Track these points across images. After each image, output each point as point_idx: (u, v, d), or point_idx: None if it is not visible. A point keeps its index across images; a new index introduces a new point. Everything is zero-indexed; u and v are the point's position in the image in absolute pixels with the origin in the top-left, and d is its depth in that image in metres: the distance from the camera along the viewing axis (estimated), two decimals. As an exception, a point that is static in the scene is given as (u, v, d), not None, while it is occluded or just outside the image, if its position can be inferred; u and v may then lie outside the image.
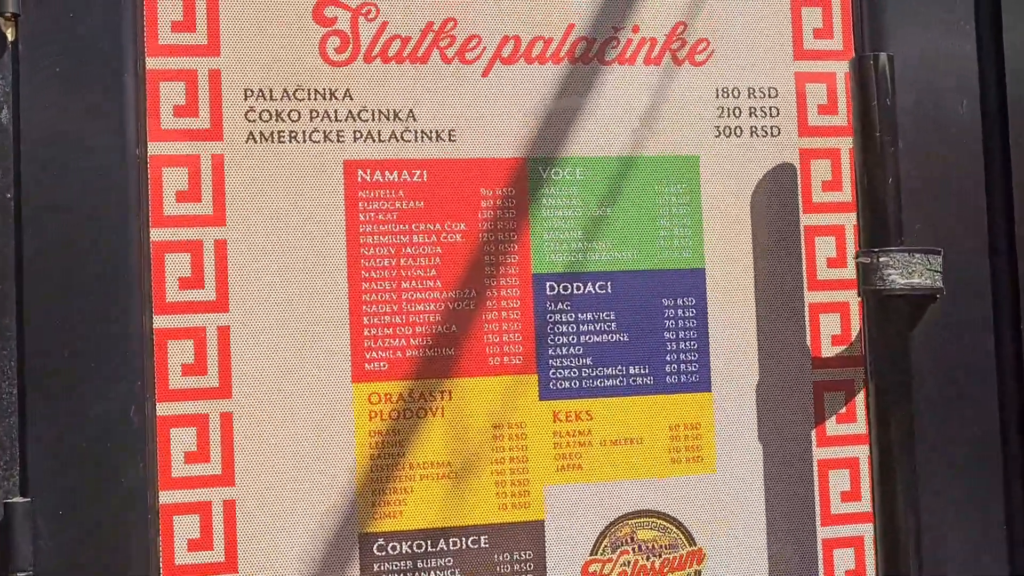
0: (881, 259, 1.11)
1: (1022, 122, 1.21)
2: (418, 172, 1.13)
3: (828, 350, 1.20)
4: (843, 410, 1.20)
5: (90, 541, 1.03)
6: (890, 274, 1.11)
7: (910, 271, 1.12)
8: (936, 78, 1.21)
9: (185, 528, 1.06)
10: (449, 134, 1.13)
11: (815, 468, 1.19)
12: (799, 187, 1.20)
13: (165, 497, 1.06)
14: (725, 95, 1.19)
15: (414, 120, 1.13)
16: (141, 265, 1.06)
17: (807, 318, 1.20)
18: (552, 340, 1.14)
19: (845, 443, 1.19)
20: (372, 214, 1.12)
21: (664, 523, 1.16)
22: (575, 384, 1.15)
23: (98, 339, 1.04)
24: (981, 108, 1.22)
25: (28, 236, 1.04)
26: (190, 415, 1.07)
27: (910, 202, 1.19)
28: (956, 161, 1.22)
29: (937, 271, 1.14)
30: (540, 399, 1.14)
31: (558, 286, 1.15)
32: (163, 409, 1.07)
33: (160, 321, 1.07)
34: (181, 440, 1.07)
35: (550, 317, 1.15)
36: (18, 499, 1.02)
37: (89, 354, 1.04)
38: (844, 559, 1.19)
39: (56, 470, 1.03)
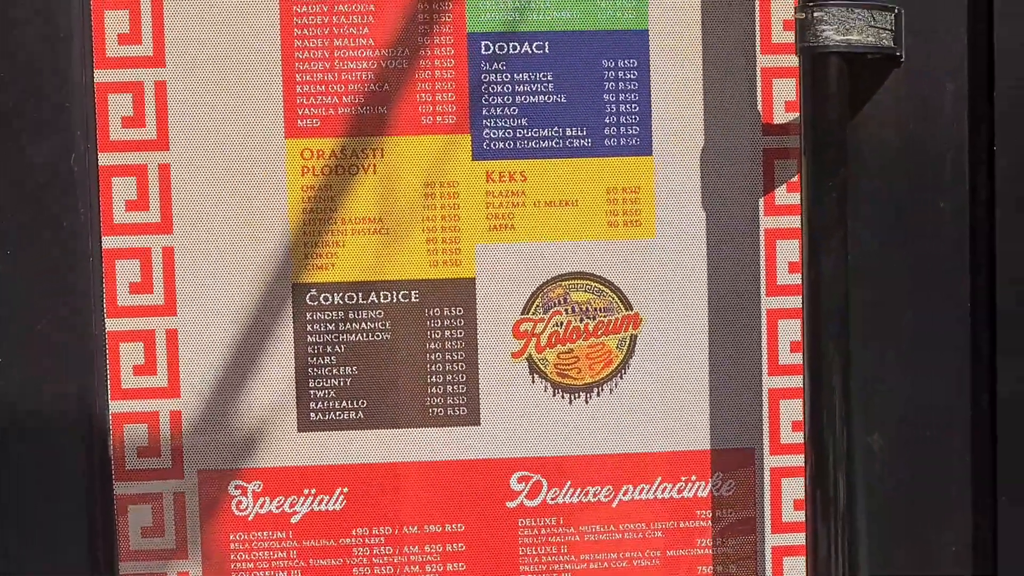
0: (816, 14, 1.06)
1: None
2: (352, -71, 1.13)
3: (781, 116, 1.17)
4: (795, 179, 1.16)
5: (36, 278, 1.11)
6: (824, 30, 1.06)
7: (848, 27, 1.07)
8: None
9: (126, 273, 1.13)
10: None
11: (762, 237, 1.17)
12: (755, -55, 1.15)
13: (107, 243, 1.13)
14: None
15: None
16: (83, 25, 1.11)
17: (759, 82, 1.16)
18: (487, 100, 1.15)
19: (796, 213, 1.16)
20: (305, -29, 1.13)
21: (599, 286, 1.16)
22: (509, 145, 1.15)
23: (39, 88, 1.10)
24: None
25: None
26: (130, 166, 1.12)
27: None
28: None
29: (886, 29, 1.08)
30: (473, 159, 1.15)
31: (494, 45, 1.14)
32: (104, 160, 1.12)
33: (101, 76, 1.12)
34: (122, 190, 1.12)
35: (485, 77, 1.14)
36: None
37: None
38: (789, 330, 1.17)
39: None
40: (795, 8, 1.08)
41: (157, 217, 1.13)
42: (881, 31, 1.08)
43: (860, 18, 1.07)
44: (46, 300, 1.11)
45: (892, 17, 1.09)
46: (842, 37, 1.06)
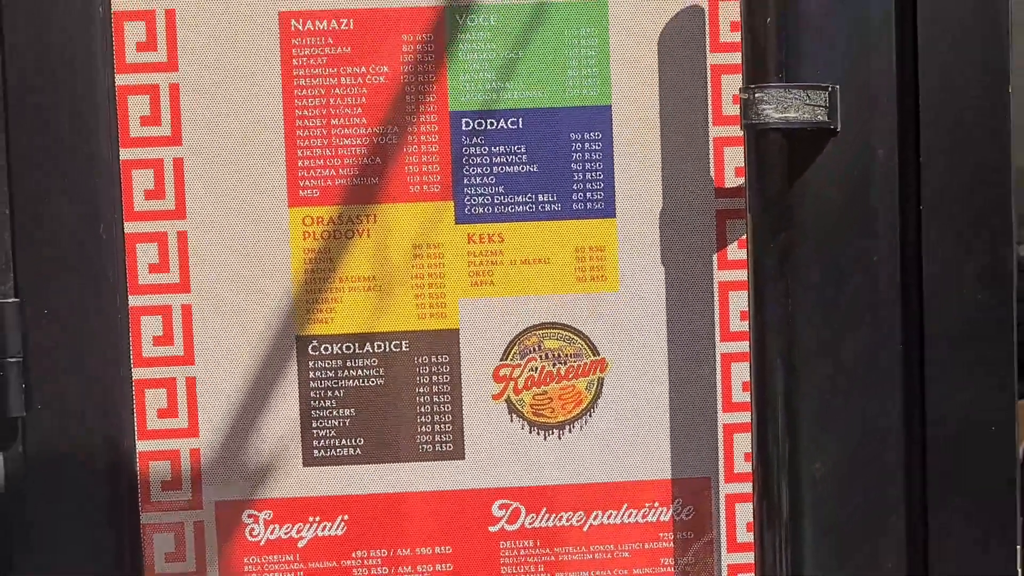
0: (757, 94, 1.20)
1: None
2: (345, 20, 1.27)
3: (732, 181, 1.30)
4: (744, 236, 1.30)
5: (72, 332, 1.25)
6: (764, 108, 1.20)
7: (785, 106, 1.20)
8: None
9: (150, 328, 1.27)
10: (373, -14, 1.27)
11: (716, 289, 1.31)
12: (707, 27, 1.29)
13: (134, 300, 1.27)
14: (634, -58, 1.29)
15: (341, -26, 1.27)
16: (109, 110, 1.25)
17: (712, 150, 1.30)
18: (468, 171, 1.29)
19: (746, 267, 1.29)
20: (304, 59, 1.27)
21: (569, 334, 1.30)
22: (488, 210, 1.29)
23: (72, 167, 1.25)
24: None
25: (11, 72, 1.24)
26: (152, 233, 1.27)
27: (808, 39, 1.26)
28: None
29: (821, 106, 1.21)
30: (456, 223, 1.29)
31: (473, 122, 1.29)
32: (129, 227, 1.27)
33: (125, 153, 1.26)
34: (145, 254, 1.27)
35: (466, 150, 1.29)
36: (10, 300, 1.24)
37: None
38: (741, 372, 1.30)
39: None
40: (739, 89, 1.22)
41: (176, 278, 1.28)
42: (816, 108, 1.21)
43: (796, 97, 1.20)
44: (80, 353, 1.26)
45: (827, 95, 1.21)
46: (780, 115, 1.20)
